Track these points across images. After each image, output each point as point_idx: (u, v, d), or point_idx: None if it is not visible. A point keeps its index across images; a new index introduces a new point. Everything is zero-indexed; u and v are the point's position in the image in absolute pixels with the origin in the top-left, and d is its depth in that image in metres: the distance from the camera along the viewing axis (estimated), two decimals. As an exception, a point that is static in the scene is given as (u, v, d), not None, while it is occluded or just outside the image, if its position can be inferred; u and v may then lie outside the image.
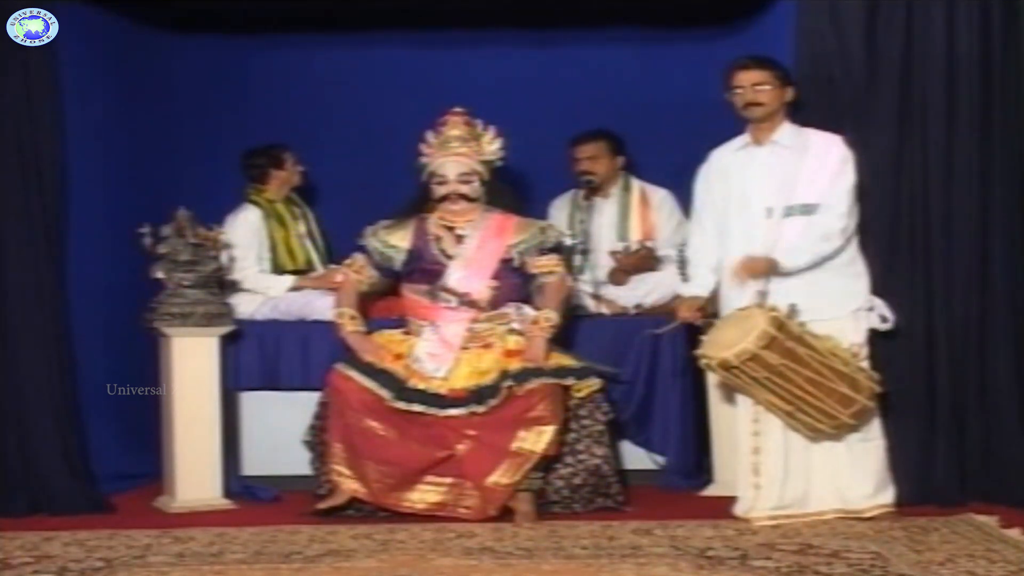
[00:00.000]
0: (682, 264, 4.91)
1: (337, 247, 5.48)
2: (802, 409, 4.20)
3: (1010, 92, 4.68)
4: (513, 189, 5.06)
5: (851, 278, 4.43)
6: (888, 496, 4.42)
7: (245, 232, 5.26)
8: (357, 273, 4.87)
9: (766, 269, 4.35)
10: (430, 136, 4.87)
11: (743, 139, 4.57)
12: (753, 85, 4.44)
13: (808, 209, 4.36)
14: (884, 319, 4.45)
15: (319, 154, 5.70)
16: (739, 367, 4.15)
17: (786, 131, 4.49)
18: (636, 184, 5.64)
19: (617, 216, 5.59)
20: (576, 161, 5.57)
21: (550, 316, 4.68)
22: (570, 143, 5.59)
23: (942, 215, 4.65)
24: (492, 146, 4.88)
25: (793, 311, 4.22)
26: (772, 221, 4.39)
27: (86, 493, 4.76)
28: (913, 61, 4.67)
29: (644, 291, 5.38)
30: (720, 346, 4.23)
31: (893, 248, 4.60)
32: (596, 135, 5.57)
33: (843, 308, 4.39)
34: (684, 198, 5.51)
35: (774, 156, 4.46)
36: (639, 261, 5.45)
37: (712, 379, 4.90)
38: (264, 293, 5.24)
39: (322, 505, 4.58)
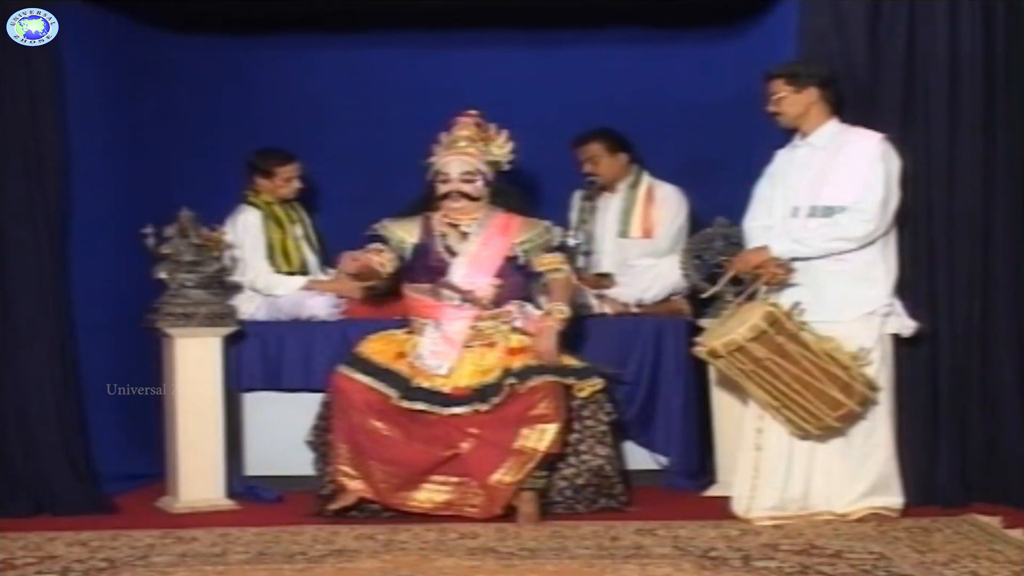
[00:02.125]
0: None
1: (334, 250, 5.45)
2: (787, 406, 4.21)
3: (1013, 91, 4.68)
4: (520, 191, 5.05)
5: (864, 282, 4.37)
6: (880, 500, 4.38)
7: (245, 234, 5.25)
8: (378, 256, 4.80)
9: (759, 261, 4.35)
10: (442, 136, 4.87)
11: (796, 138, 4.55)
12: (770, 96, 4.46)
13: (829, 212, 4.35)
14: (905, 325, 4.42)
15: (319, 154, 5.69)
16: (726, 357, 4.18)
17: (825, 131, 4.45)
18: (645, 180, 5.58)
19: (620, 211, 5.56)
20: (579, 163, 5.56)
21: (563, 308, 4.66)
22: (571, 145, 5.57)
23: (945, 215, 4.65)
24: (502, 149, 4.88)
25: (796, 308, 4.21)
26: (797, 221, 4.39)
27: (89, 493, 4.76)
28: (916, 60, 4.67)
29: (644, 286, 5.37)
30: (715, 335, 4.27)
31: (895, 249, 4.59)
32: (592, 136, 5.52)
33: (851, 312, 4.33)
34: (688, 197, 5.53)
35: (808, 156, 4.46)
36: (593, 282, 5.39)
37: (715, 379, 4.90)
38: (273, 294, 5.22)
39: (333, 506, 4.58)
